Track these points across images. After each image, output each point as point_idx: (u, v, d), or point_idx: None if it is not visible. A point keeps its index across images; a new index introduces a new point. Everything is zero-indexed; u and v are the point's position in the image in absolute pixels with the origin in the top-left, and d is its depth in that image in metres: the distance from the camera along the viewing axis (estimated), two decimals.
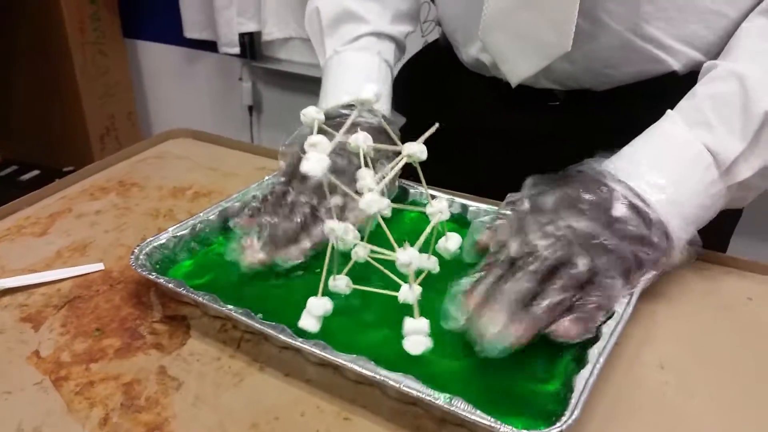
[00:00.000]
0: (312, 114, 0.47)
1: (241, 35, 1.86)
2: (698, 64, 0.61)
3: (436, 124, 0.48)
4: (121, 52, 2.15)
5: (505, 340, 0.43)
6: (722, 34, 0.60)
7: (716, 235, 0.58)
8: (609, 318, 0.47)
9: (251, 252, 0.52)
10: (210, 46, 1.98)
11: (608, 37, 0.61)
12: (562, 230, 0.48)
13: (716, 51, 0.60)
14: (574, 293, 0.46)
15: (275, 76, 1.96)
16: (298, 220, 0.54)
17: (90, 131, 2.12)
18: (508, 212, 0.52)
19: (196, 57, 2.09)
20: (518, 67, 0.63)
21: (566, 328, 0.45)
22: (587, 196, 0.50)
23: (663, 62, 0.62)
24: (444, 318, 0.46)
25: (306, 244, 0.54)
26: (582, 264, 0.47)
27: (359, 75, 0.69)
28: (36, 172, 2.18)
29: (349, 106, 0.62)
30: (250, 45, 1.90)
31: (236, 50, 1.88)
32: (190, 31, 1.97)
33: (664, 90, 0.59)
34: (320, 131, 0.46)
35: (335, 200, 0.53)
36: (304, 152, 0.45)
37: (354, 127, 0.54)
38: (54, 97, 2.10)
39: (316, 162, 0.43)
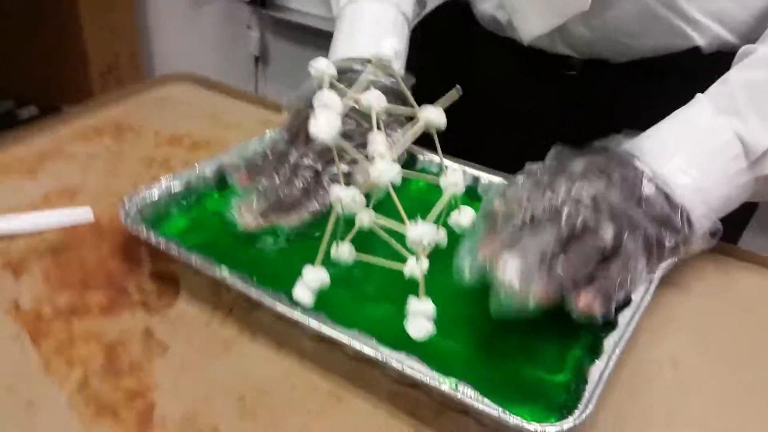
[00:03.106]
0: (323, 67, 0.43)
1: None
2: (724, 43, 0.58)
3: (457, 88, 0.44)
4: None
5: (525, 290, 0.40)
6: (755, 13, 0.57)
7: (730, 227, 0.55)
8: (626, 305, 0.44)
9: (250, 215, 0.49)
10: None
11: (630, 3, 0.57)
12: (589, 195, 0.45)
13: (746, 30, 0.58)
14: (596, 265, 0.43)
15: (284, 26, 1.90)
16: (300, 185, 0.51)
17: (91, 69, 2.07)
18: (526, 180, 0.49)
19: (204, 0, 2.03)
20: (532, 22, 0.61)
21: (589, 301, 0.42)
22: (615, 172, 0.47)
23: (687, 37, 0.59)
24: (458, 269, 0.43)
25: (306, 210, 0.51)
26: (608, 233, 0.43)
27: (375, 27, 0.65)
28: (33, 108, 2.13)
29: (362, 60, 0.58)
30: None
31: None
32: None
33: (687, 67, 0.57)
34: (331, 87, 0.42)
35: (342, 167, 0.50)
36: (312, 109, 0.41)
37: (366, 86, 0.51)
38: (55, 31, 2.04)
39: (325, 124, 0.40)
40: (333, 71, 0.43)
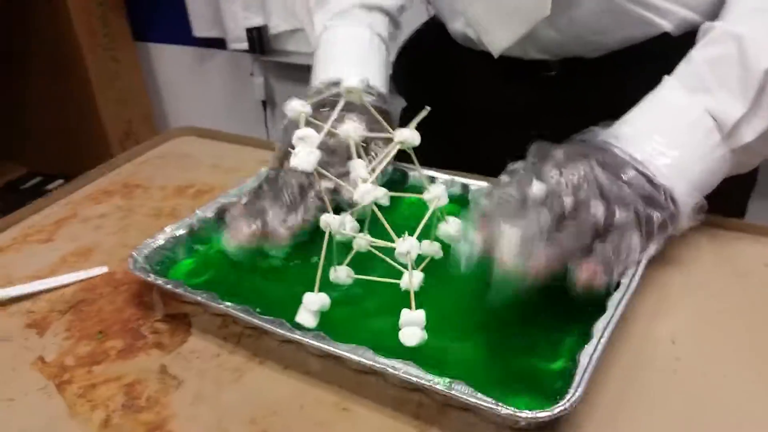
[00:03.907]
0: (297, 107, 0.46)
1: (249, 30, 1.86)
2: (692, 24, 0.59)
3: (427, 108, 0.47)
4: (132, 57, 2.16)
5: (523, 264, 0.42)
6: None
7: (732, 201, 0.56)
8: (616, 288, 0.45)
9: (236, 232, 0.52)
10: (220, 43, 1.97)
11: (593, 0, 0.59)
12: (579, 174, 0.46)
13: (709, 9, 0.58)
14: (591, 241, 0.45)
15: (286, 69, 1.95)
16: (286, 199, 0.53)
17: (109, 137, 2.13)
18: (513, 174, 0.50)
19: (207, 55, 2.09)
20: (498, 36, 0.62)
21: (591, 271, 0.43)
22: (596, 158, 0.49)
23: (654, 24, 0.60)
24: (459, 252, 0.45)
25: (292, 221, 0.53)
26: (599, 209, 0.45)
27: (350, 51, 0.67)
28: (60, 182, 2.20)
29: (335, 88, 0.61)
30: (259, 39, 1.89)
31: (244, 45, 1.87)
32: (199, 30, 1.97)
33: (660, 53, 0.57)
34: (307, 124, 0.45)
35: (326, 184, 0.52)
36: (293, 147, 0.44)
37: (347, 111, 0.53)
38: (71, 106, 2.12)
39: (305, 156, 0.42)
40: (308, 109, 0.46)
